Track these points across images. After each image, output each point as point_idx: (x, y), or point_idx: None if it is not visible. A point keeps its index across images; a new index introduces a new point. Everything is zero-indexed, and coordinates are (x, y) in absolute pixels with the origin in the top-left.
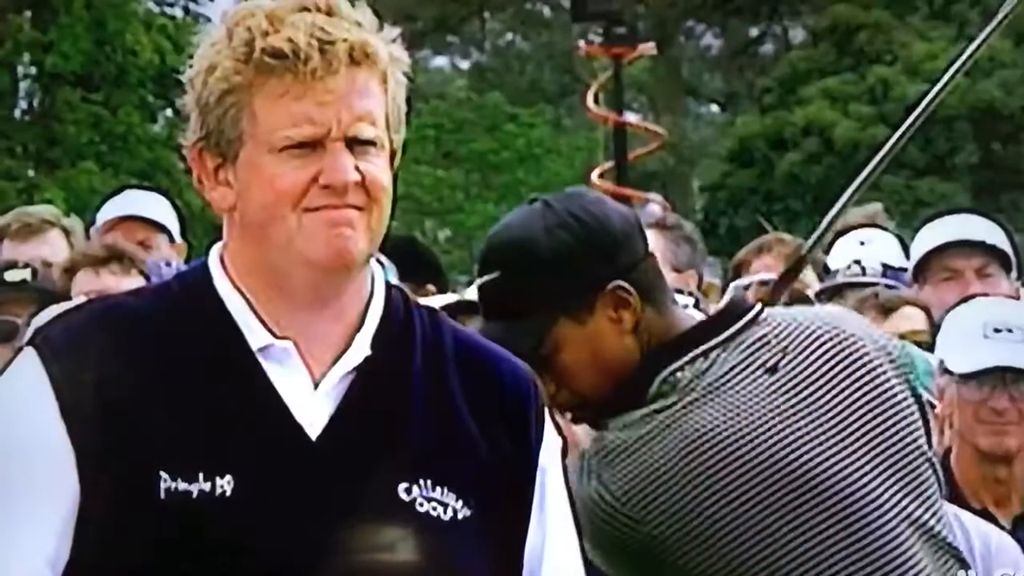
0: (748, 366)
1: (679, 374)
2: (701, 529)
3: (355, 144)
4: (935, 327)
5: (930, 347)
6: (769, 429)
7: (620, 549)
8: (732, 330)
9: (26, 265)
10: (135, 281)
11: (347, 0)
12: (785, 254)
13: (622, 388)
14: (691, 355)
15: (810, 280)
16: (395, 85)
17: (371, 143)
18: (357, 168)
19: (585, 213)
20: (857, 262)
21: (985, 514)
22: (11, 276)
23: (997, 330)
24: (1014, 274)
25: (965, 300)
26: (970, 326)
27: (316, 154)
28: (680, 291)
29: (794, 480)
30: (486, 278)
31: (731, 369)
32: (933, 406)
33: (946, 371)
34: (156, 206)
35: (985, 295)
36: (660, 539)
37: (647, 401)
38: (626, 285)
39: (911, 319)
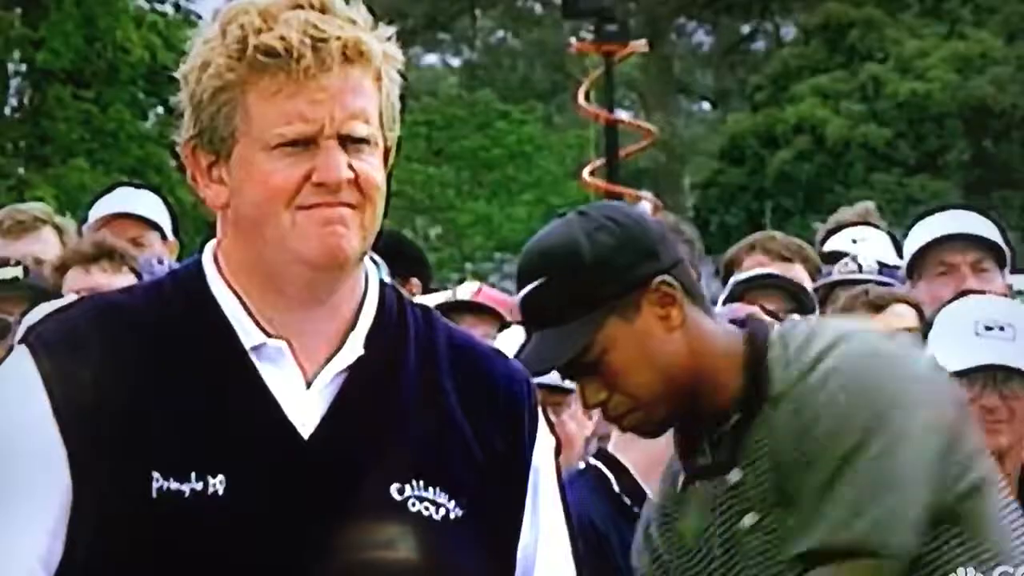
0: None
1: (782, 328)
2: None
3: (348, 142)
4: (927, 324)
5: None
6: None
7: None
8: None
9: (17, 263)
10: (126, 278)
11: None
12: (776, 251)
13: (672, 393)
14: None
15: (801, 277)
16: (389, 83)
17: (365, 141)
18: (350, 166)
19: (622, 216)
20: (853, 259)
21: None
22: (2, 274)
23: (988, 328)
24: (1007, 270)
25: (956, 298)
26: (961, 324)
27: (309, 152)
28: None
29: None
30: (530, 287)
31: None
32: None
33: None
34: (148, 203)
35: (980, 291)
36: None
37: (793, 348)
38: (671, 280)
39: (902, 316)
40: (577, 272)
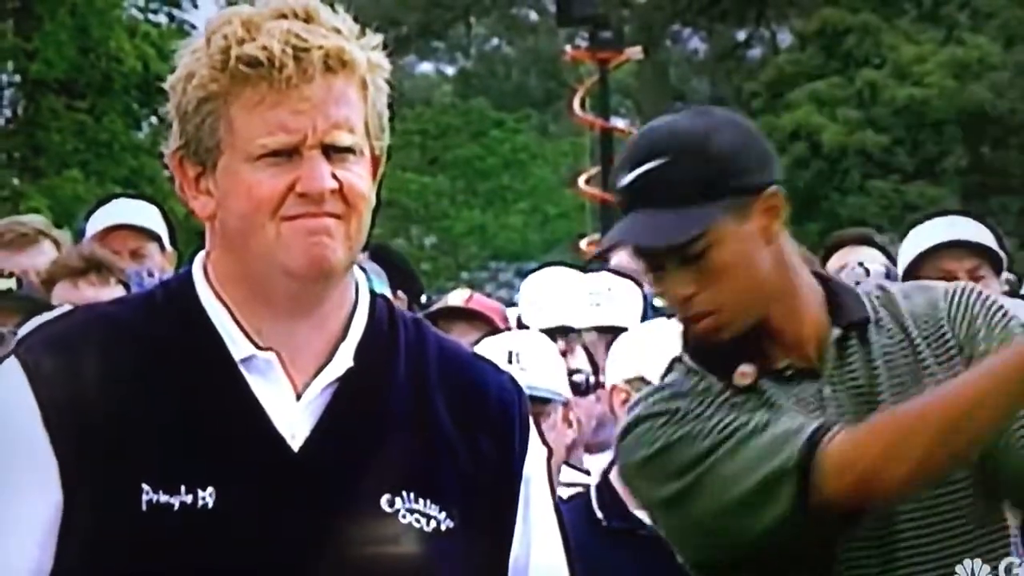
0: None
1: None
2: None
3: (332, 151)
4: None
5: None
6: None
7: None
8: None
9: (11, 274)
10: (114, 291)
11: (327, 6)
12: None
13: (754, 303)
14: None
15: None
16: (375, 92)
17: (349, 150)
18: (334, 176)
19: (743, 123)
20: (860, 263)
21: None
22: None
23: None
24: (1003, 276)
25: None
26: None
27: (293, 162)
28: None
29: None
30: (654, 163)
31: None
32: None
33: None
34: (147, 214)
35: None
36: None
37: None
38: (781, 193)
39: None
40: (708, 159)
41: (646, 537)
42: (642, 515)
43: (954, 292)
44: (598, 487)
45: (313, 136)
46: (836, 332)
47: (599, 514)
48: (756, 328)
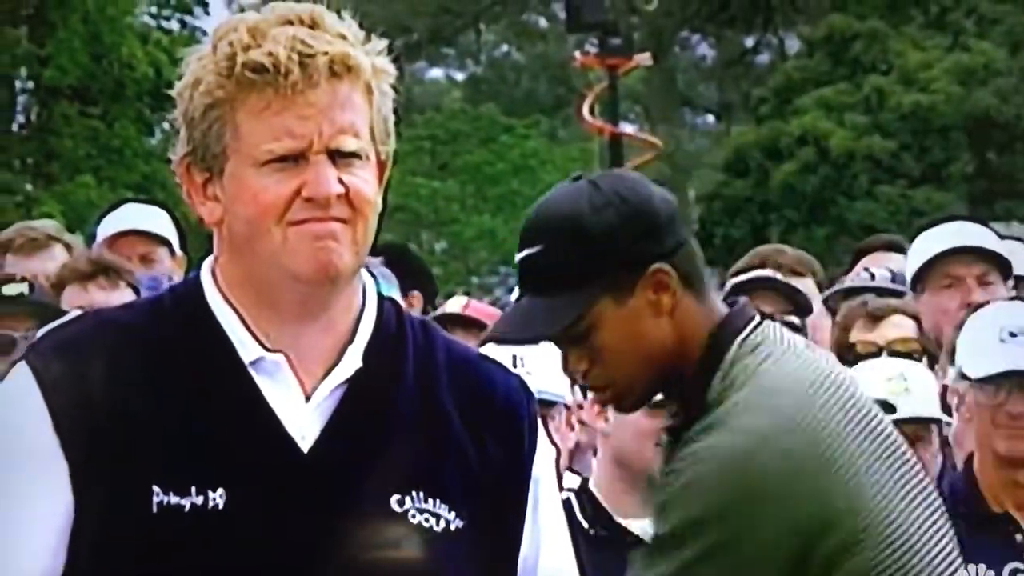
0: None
1: (755, 334)
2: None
3: (338, 156)
4: (926, 335)
5: (920, 355)
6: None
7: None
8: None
9: (23, 279)
10: (124, 294)
11: (333, 12)
12: (787, 266)
13: (647, 376)
14: (755, 322)
15: (811, 291)
16: (380, 97)
17: (355, 155)
18: (340, 180)
19: (631, 193)
20: (865, 268)
21: (1007, 518)
22: (8, 290)
23: (1013, 334)
24: (1011, 282)
25: (981, 305)
26: (986, 331)
27: (299, 167)
28: None
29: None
30: (529, 251)
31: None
32: (939, 423)
33: (964, 376)
34: (157, 219)
35: (986, 302)
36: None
37: (732, 362)
38: (668, 268)
39: (900, 327)
40: (577, 245)
41: (633, 544)
42: (625, 523)
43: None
44: (578, 496)
45: (319, 141)
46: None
47: (584, 523)
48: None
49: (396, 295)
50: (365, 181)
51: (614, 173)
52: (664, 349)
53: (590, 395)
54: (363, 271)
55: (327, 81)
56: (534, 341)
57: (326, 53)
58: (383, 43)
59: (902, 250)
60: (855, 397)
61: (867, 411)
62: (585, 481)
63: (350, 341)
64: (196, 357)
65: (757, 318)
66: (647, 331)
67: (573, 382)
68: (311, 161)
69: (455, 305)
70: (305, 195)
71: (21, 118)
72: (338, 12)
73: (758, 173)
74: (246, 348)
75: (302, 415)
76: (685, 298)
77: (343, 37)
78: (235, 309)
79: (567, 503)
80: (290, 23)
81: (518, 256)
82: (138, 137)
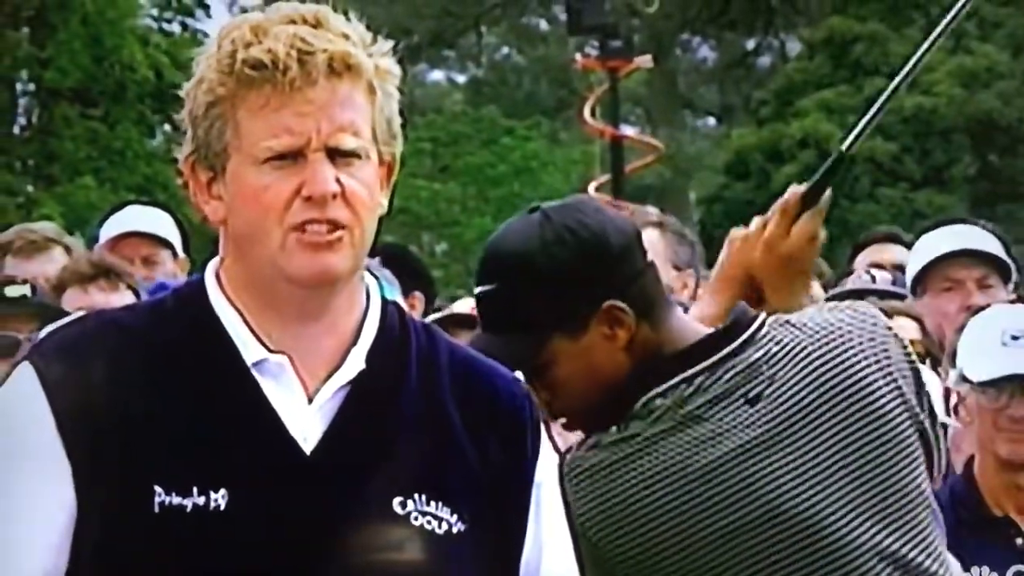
0: (729, 395)
1: (659, 400)
2: (656, 561)
3: (337, 155)
4: (929, 338)
5: (924, 357)
6: (736, 466)
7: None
8: (723, 353)
9: (25, 281)
10: (124, 296)
11: (337, 13)
12: None
13: (607, 405)
14: (675, 380)
15: (818, 293)
16: (383, 97)
17: (354, 154)
18: (338, 180)
19: (583, 228)
20: (867, 271)
21: (1007, 521)
22: (11, 292)
23: (1015, 337)
24: (1011, 285)
25: (981, 309)
26: (988, 334)
27: (298, 165)
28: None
29: (756, 517)
30: (483, 289)
31: (712, 399)
32: (946, 427)
33: (965, 379)
34: (160, 221)
35: (987, 305)
36: (614, 564)
37: (625, 421)
38: (621, 305)
39: (903, 329)
40: (529, 286)
41: None
42: None
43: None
44: None
45: (317, 139)
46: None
47: None
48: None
49: (398, 298)
50: (364, 181)
51: (569, 204)
52: (621, 378)
53: None
54: (366, 273)
55: (326, 79)
56: None
57: (326, 51)
58: (388, 44)
59: (901, 241)
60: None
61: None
62: None
63: (353, 343)
64: (199, 358)
65: (697, 367)
66: (602, 364)
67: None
68: (309, 159)
69: (463, 307)
70: (304, 194)
71: (22, 120)
72: (345, 13)
73: (759, 175)
74: (249, 349)
75: (305, 417)
76: (643, 328)
77: (346, 37)
78: (238, 310)
79: None
80: (293, 22)
81: (476, 292)
82: (139, 139)
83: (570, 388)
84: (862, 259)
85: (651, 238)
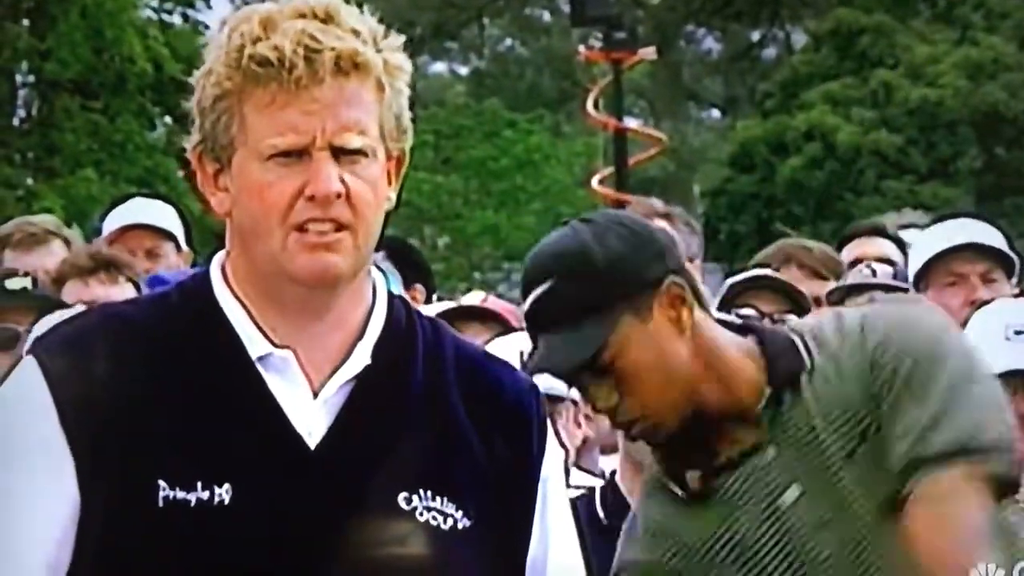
0: None
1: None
2: None
3: (342, 154)
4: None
5: None
6: None
7: None
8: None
9: (26, 273)
10: (124, 289)
11: (349, 5)
12: (811, 267)
13: (681, 401)
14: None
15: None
16: (392, 94)
17: (360, 152)
18: (342, 180)
19: (629, 221)
20: (867, 264)
21: None
22: (12, 284)
23: (1019, 332)
24: (1015, 279)
25: (985, 303)
26: (991, 329)
27: (303, 163)
28: None
29: None
30: (540, 290)
31: None
32: None
33: None
34: (163, 213)
35: (990, 300)
36: None
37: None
38: (681, 281)
39: None
40: (590, 273)
41: None
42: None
43: (881, 346)
44: (603, 488)
45: (322, 137)
46: (767, 392)
47: (600, 513)
48: (697, 419)
49: (400, 290)
50: (368, 180)
51: (603, 211)
52: (691, 366)
53: None
54: (373, 268)
55: (333, 77)
56: (562, 374)
57: (333, 49)
58: (400, 39)
59: (886, 234)
60: None
61: None
62: (613, 474)
63: (360, 337)
64: (203, 352)
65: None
66: (672, 349)
67: (606, 416)
68: (314, 157)
69: (473, 300)
70: (307, 193)
71: (22, 112)
72: (360, 5)
73: (764, 168)
74: (254, 344)
75: (310, 411)
76: (699, 313)
77: (356, 33)
78: (243, 304)
79: (590, 495)
80: (303, 16)
81: (527, 301)
82: (139, 131)
83: (642, 381)
84: (846, 253)
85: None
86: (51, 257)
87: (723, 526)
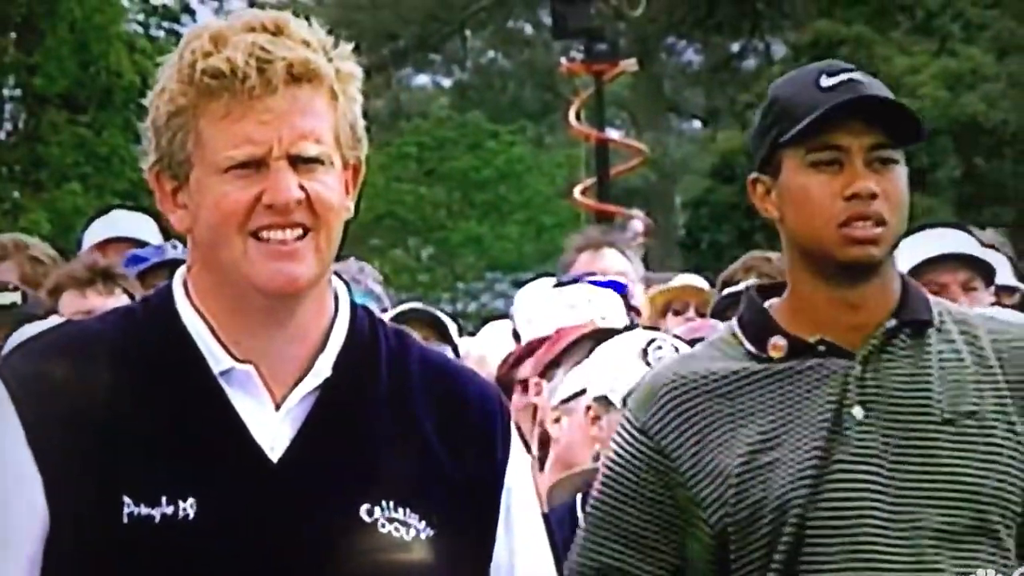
0: None
1: None
2: None
3: (299, 162)
4: None
5: None
6: None
7: None
8: None
9: (16, 288)
10: (120, 300)
11: (298, 19)
12: (768, 274)
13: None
14: None
15: None
16: (346, 102)
17: (316, 160)
18: (302, 187)
19: None
20: None
21: None
22: (1, 299)
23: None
24: (992, 287)
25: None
26: None
27: (260, 174)
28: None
29: None
30: (856, 74)
31: None
32: None
33: None
34: (143, 226)
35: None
36: None
37: None
38: None
39: None
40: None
41: None
42: None
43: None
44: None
45: (279, 147)
46: (891, 323)
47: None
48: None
49: (369, 302)
50: (328, 186)
51: None
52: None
53: (549, 396)
54: (335, 278)
55: (286, 87)
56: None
57: (285, 59)
58: (350, 47)
59: None
60: None
61: None
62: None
63: (321, 349)
64: (167, 368)
65: None
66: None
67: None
68: (272, 167)
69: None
70: (265, 201)
71: (9, 126)
72: (307, 18)
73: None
74: (216, 358)
75: (272, 425)
76: None
77: (306, 43)
78: (205, 319)
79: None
80: (253, 30)
81: (844, 75)
82: (126, 144)
83: (896, 201)
84: None
85: (616, 258)
86: (11, 273)
87: (779, 402)
